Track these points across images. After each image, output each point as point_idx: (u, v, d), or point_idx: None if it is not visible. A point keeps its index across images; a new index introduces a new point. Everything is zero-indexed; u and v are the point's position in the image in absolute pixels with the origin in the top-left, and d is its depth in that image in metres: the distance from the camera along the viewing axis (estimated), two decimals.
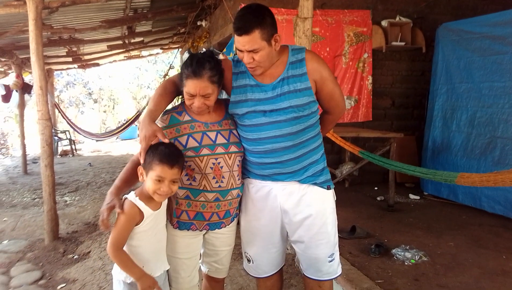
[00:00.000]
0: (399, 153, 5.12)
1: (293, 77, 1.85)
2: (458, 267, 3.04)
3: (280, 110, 1.84)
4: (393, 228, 3.94)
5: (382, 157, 4.04)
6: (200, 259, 2.05)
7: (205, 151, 1.84)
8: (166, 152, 1.68)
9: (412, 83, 6.18)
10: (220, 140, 1.88)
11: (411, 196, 5.22)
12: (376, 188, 5.62)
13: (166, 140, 1.73)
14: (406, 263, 3.10)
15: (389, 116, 6.19)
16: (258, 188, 1.96)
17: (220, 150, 1.86)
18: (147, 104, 12.82)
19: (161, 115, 1.89)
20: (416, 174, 3.44)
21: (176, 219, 1.90)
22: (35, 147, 12.38)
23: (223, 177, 1.87)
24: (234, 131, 1.95)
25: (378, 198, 5.12)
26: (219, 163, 1.86)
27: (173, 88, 1.90)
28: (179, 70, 1.86)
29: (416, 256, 3.17)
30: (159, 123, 1.85)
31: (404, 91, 6.18)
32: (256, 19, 1.72)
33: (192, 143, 1.84)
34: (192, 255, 1.96)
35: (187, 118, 1.88)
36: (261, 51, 1.75)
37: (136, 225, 1.71)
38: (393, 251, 3.29)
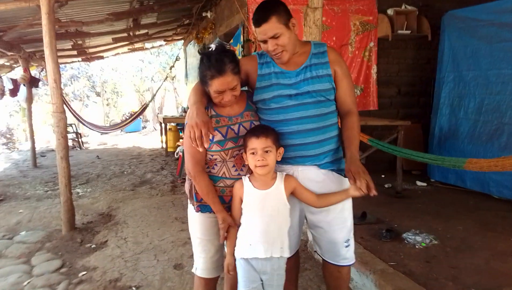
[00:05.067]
0: (405, 141, 5.18)
1: (316, 65, 1.99)
2: (468, 250, 3.13)
3: (304, 94, 1.96)
4: (402, 214, 4.03)
5: (390, 144, 4.11)
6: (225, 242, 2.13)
7: (229, 144, 1.93)
8: (251, 129, 1.92)
9: (417, 71, 6.22)
10: (243, 131, 1.95)
11: (418, 183, 5.31)
12: (383, 176, 5.70)
13: (215, 133, 1.87)
14: (417, 246, 3.19)
15: (395, 104, 6.24)
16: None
17: (242, 141, 1.93)
18: (153, 98, 12.90)
19: None
20: (425, 160, 3.51)
21: (198, 203, 1.99)
22: (42, 141, 12.51)
23: (243, 166, 1.96)
24: (255, 122, 2.02)
25: (386, 185, 5.21)
26: (241, 153, 1.95)
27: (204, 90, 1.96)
28: (199, 68, 1.91)
29: (427, 240, 3.26)
30: None
31: (410, 79, 6.23)
32: (270, 7, 1.89)
33: (218, 137, 1.92)
34: (213, 237, 2.05)
35: (212, 113, 1.96)
36: (282, 35, 1.89)
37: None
38: (404, 235, 3.38)
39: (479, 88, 4.68)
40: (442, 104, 5.22)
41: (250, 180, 1.89)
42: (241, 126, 1.97)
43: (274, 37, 1.88)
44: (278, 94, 1.97)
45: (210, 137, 1.84)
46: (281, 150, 1.91)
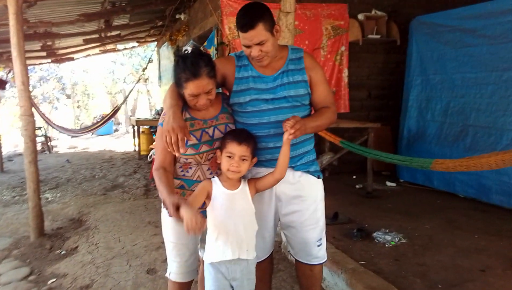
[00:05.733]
0: (375, 142, 5.31)
1: (292, 71, 2.01)
2: (435, 247, 3.24)
3: (281, 98, 1.98)
4: (373, 214, 4.13)
5: (361, 146, 4.21)
6: (198, 245, 2.14)
7: (204, 147, 1.94)
8: (235, 132, 1.93)
9: (387, 75, 6.39)
10: (218, 135, 1.96)
11: (388, 183, 5.44)
12: (354, 177, 5.82)
13: (190, 137, 1.87)
14: (386, 245, 3.28)
15: (366, 107, 6.38)
16: (253, 175, 2.06)
17: (217, 144, 1.94)
18: (125, 100, 12.69)
19: None
20: (394, 161, 3.61)
21: None
22: (9, 145, 12.11)
23: (219, 169, 1.97)
24: (231, 125, 2.04)
25: (357, 186, 5.32)
26: (216, 154, 1.95)
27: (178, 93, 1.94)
28: (174, 70, 1.88)
29: (396, 239, 3.35)
30: None
31: (380, 82, 6.39)
32: (257, 14, 1.87)
33: (192, 140, 1.92)
34: (187, 241, 2.04)
35: (187, 116, 1.95)
36: (267, 42, 1.90)
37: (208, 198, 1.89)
38: (374, 234, 3.46)
39: (445, 91, 4.86)
40: (410, 106, 5.38)
41: (219, 180, 1.91)
42: (216, 129, 1.98)
43: (260, 43, 1.89)
44: (254, 98, 1.99)
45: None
46: (255, 159, 1.94)
